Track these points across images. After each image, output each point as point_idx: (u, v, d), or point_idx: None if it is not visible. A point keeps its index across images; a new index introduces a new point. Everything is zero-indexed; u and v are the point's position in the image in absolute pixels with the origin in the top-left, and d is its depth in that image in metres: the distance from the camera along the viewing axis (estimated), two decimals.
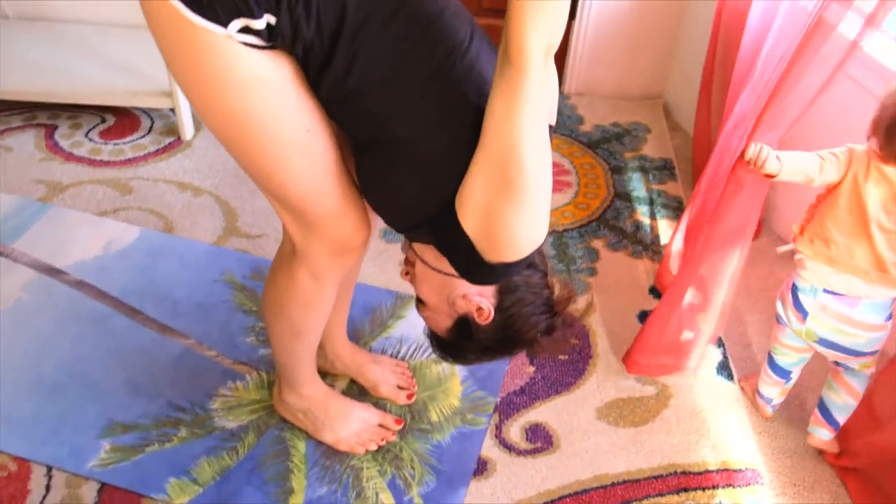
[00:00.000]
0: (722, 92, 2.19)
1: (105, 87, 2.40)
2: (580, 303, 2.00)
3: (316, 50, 1.04)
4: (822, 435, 1.67)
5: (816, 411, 1.69)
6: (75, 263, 2.02)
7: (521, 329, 1.30)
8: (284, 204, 1.24)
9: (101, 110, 2.55)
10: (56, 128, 2.49)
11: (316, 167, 1.18)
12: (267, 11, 0.98)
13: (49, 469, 1.58)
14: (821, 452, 1.70)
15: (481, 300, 1.27)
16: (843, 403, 1.64)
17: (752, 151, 1.49)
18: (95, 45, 2.57)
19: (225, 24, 0.98)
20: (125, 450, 1.62)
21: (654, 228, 2.23)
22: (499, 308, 1.28)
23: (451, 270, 1.24)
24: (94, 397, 1.71)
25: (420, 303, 1.34)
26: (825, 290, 1.52)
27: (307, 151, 1.15)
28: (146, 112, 2.57)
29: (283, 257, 1.38)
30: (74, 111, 2.55)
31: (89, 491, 1.56)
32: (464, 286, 1.26)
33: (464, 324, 1.31)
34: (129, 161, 2.37)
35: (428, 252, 1.27)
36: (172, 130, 2.49)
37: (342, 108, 1.12)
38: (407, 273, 1.35)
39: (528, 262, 1.27)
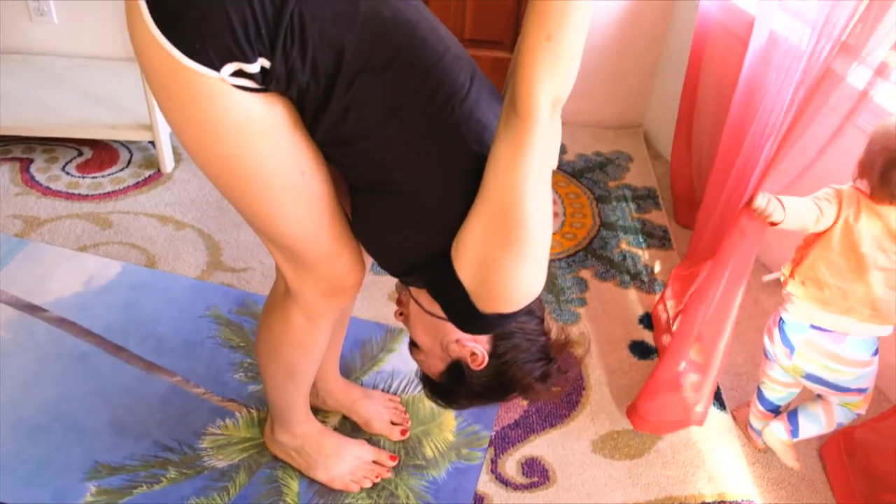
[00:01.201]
0: (709, 128, 2.22)
1: (82, 119, 2.36)
2: (571, 334, 1.99)
3: (312, 93, 1.02)
4: (778, 430, 1.67)
5: (784, 413, 1.69)
6: (55, 300, 1.97)
7: (516, 375, 1.28)
8: (278, 245, 1.22)
9: (77, 143, 2.51)
10: (32, 161, 2.44)
11: (310, 210, 1.16)
12: (261, 55, 0.97)
13: None
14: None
15: (475, 346, 1.24)
16: (815, 414, 1.64)
17: (760, 202, 1.47)
18: (71, 77, 2.53)
19: (218, 67, 0.96)
20: (112, 492, 1.57)
21: (640, 258, 2.24)
22: (493, 354, 1.26)
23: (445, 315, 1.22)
24: (78, 438, 1.66)
25: (413, 346, 1.32)
26: (812, 326, 1.52)
27: (301, 194, 1.13)
28: (124, 145, 2.53)
29: (276, 298, 1.36)
30: (50, 144, 2.50)
31: None
32: (458, 331, 1.23)
33: (457, 368, 1.28)
34: (109, 195, 2.33)
35: (423, 295, 1.24)
36: (152, 163, 2.45)
37: (339, 150, 1.10)
38: (401, 314, 1.33)
39: (526, 310, 1.25)
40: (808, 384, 1.60)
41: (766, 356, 1.65)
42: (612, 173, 2.56)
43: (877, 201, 1.43)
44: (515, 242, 1.03)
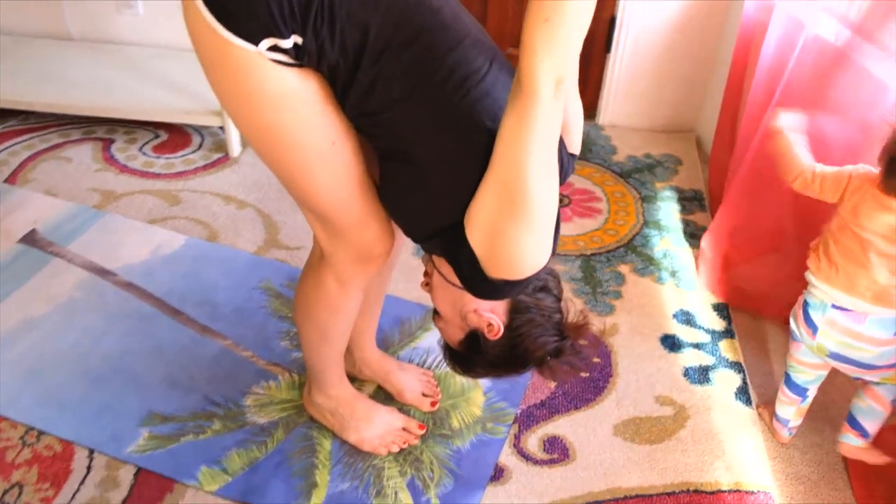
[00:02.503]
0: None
1: (160, 105, 2.54)
2: (605, 323, 2.06)
3: (341, 69, 1.13)
4: (850, 440, 1.68)
5: (845, 421, 1.70)
6: (124, 266, 2.14)
7: (529, 349, 1.35)
8: (313, 211, 1.33)
9: (155, 126, 2.70)
10: (113, 142, 2.64)
11: (341, 178, 1.27)
12: (294, 32, 1.08)
13: (91, 452, 1.68)
14: (858, 465, 1.71)
15: (492, 317, 1.33)
16: (868, 408, 1.65)
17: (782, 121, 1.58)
18: (153, 67, 2.72)
19: (256, 42, 1.08)
20: (162, 438, 1.71)
21: (681, 257, 2.28)
22: (508, 326, 1.34)
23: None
24: (135, 389, 1.82)
25: (436, 314, 1.42)
26: (833, 306, 1.56)
27: (332, 163, 1.24)
28: (197, 129, 2.71)
29: (312, 264, 1.48)
30: (130, 127, 2.70)
31: (126, 474, 1.65)
32: (476, 301, 1.32)
33: (474, 338, 1.36)
34: (179, 174, 2.50)
35: (445, 265, 1.33)
36: (221, 147, 2.62)
37: (366, 121, 1.21)
38: (427, 284, 1.42)
39: (541, 286, 1.34)
40: (834, 363, 1.62)
41: (792, 338, 1.68)
42: (661, 175, 2.60)
43: (883, 191, 1.46)
44: (519, 212, 1.11)
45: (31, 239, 2.21)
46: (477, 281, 1.23)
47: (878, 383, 1.63)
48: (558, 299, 1.38)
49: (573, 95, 1.35)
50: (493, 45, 1.25)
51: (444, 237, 1.24)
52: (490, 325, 1.33)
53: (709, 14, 2.55)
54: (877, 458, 1.68)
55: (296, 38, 1.09)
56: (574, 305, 1.42)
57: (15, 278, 2.08)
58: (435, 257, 1.37)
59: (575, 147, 1.38)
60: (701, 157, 2.72)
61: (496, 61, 1.22)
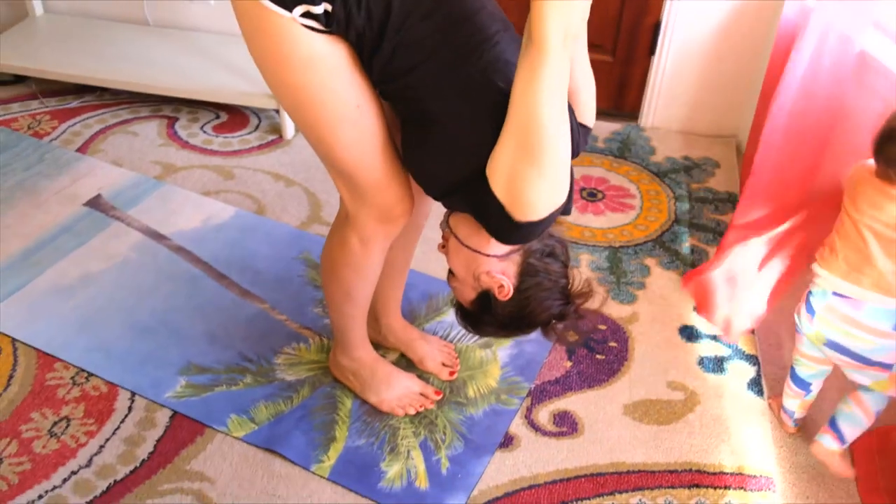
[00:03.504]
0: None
1: (223, 87, 2.71)
2: (625, 311, 2.12)
3: (366, 37, 1.26)
4: (826, 442, 1.71)
5: (827, 422, 1.73)
6: (177, 232, 2.30)
7: (536, 310, 1.45)
8: (338, 170, 1.45)
9: (217, 108, 2.86)
10: (177, 120, 2.82)
11: (364, 139, 1.38)
12: (324, 0, 1.20)
13: (133, 394, 1.83)
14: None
15: (503, 278, 1.42)
16: (851, 414, 1.68)
17: None
18: (218, 51, 2.89)
19: (290, 8, 1.21)
20: (197, 387, 1.85)
21: (709, 254, 2.33)
22: (518, 288, 1.44)
23: (479, 247, 1.41)
24: (177, 342, 1.96)
25: (451, 274, 1.52)
26: (834, 293, 1.59)
27: (357, 124, 1.36)
28: (255, 112, 2.86)
29: (337, 224, 1.60)
30: (194, 107, 2.87)
31: (163, 416, 1.79)
32: (489, 263, 1.42)
33: (485, 298, 1.46)
34: (235, 152, 2.66)
35: (462, 228, 1.44)
36: (276, 129, 2.77)
37: (389, 85, 1.33)
38: (443, 247, 1.52)
39: (550, 252, 1.44)
40: (831, 352, 1.64)
41: (796, 330, 1.71)
42: (697, 177, 2.65)
43: (880, 178, 1.50)
44: (536, 154, 1.21)
45: (95, 203, 2.39)
46: (504, 226, 1.32)
47: (868, 389, 1.65)
48: (565, 266, 1.47)
49: (583, 63, 1.43)
50: (506, 19, 1.36)
51: (467, 191, 1.33)
52: (501, 286, 1.43)
53: (754, 20, 2.59)
54: (844, 469, 1.71)
55: (326, 6, 1.21)
56: (580, 273, 1.50)
57: (78, 237, 2.26)
58: (452, 220, 1.47)
59: (587, 118, 1.47)
60: (739, 162, 2.76)
61: (508, 31, 1.33)
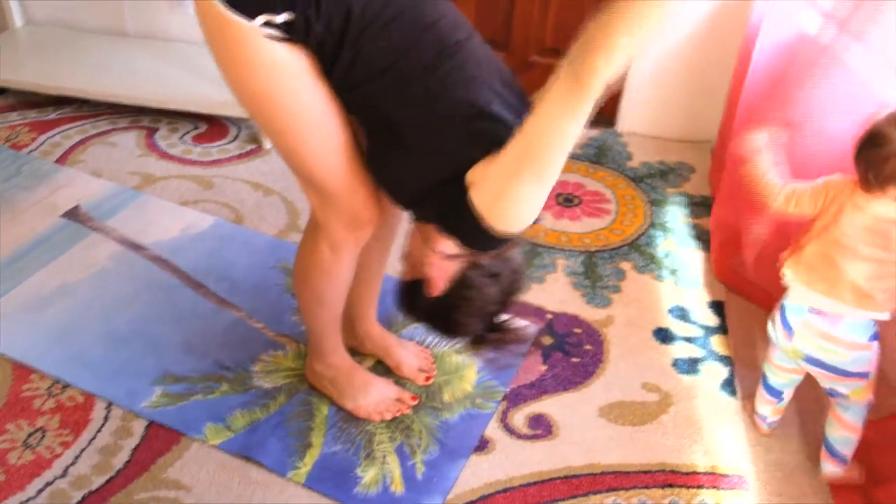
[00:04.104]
0: None
1: (202, 97, 2.72)
2: (600, 315, 2.14)
3: (326, 45, 1.28)
4: (829, 469, 1.73)
5: (823, 448, 1.75)
6: (155, 242, 2.31)
7: (457, 321, 1.51)
8: (305, 177, 1.47)
9: (196, 118, 2.87)
10: (157, 130, 2.83)
11: (329, 146, 1.40)
12: (285, 10, 1.23)
13: (109, 404, 1.83)
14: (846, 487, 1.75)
15: (440, 276, 1.46)
16: (843, 437, 1.70)
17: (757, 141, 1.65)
18: (198, 62, 2.90)
19: (252, 17, 1.23)
20: (173, 396, 1.86)
21: (682, 256, 2.35)
22: (449, 293, 1.47)
23: (431, 240, 1.44)
24: (154, 351, 1.97)
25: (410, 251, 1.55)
26: (810, 310, 1.60)
27: (321, 131, 1.38)
28: (234, 122, 2.88)
29: (308, 231, 1.61)
30: (174, 117, 2.88)
31: (139, 426, 1.79)
32: (432, 257, 1.45)
33: (418, 285, 1.50)
34: (215, 162, 2.67)
35: (428, 228, 1.47)
36: (255, 139, 2.78)
37: (349, 94, 1.35)
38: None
39: (494, 273, 1.48)
40: (808, 367, 1.66)
41: (770, 341, 1.73)
42: (672, 181, 2.67)
43: (864, 189, 1.50)
44: (540, 180, 1.26)
45: (73, 214, 2.40)
46: (477, 233, 1.34)
47: (846, 406, 1.66)
48: (506, 295, 1.51)
49: None
50: (469, 28, 1.38)
51: (437, 199, 1.35)
52: (432, 279, 1.46)
53: (726, 26, 2.62)
54: (859, 477, 1.73)
55: (287, 15, 1.23)
56: (515, 321, 1.58)
57: (56, 248, 2.27)
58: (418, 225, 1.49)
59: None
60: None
61: (471, 39, 1.35)
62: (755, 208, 1.87)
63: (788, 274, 1.63)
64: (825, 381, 1.67)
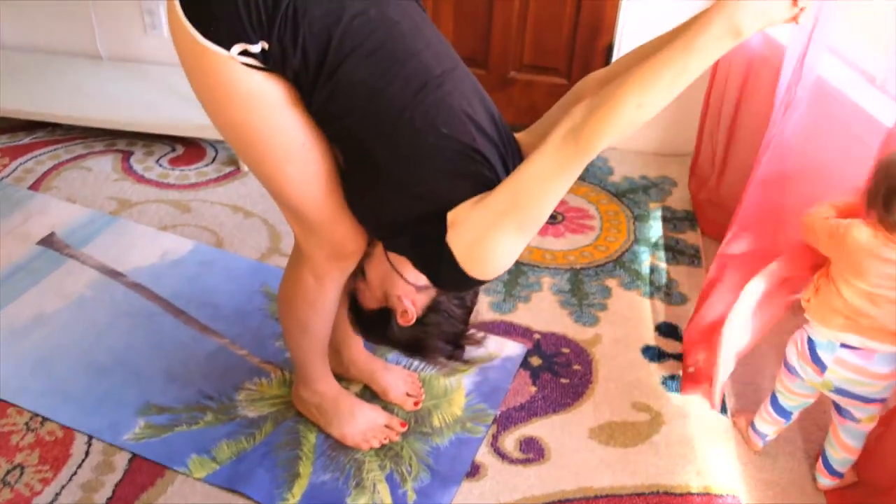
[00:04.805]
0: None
1: (178, 120, 2.68)
2: (588, 334, 2.12)
3: (303, 75, 1.24)
4: (825, 483, 1.74)
5: (820, 462, 1.75)
6: (134, 268, 2.26)
7: (428, 346, 1.53)
8: (287, 207, 1.44)
9: (172, 140, 2.84)
10: (132, 153, 2.79)
11: (310, 176, 1.37)
12: (261, 38, 1.20)
13: (90, 438, 1.78)
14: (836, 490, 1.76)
15: (410, 307, 1.46)
16: (842, 458, 1.70)
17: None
18: (173, 84, 2.87)
19: (228, 47, 1.20)
20: (157, 428, 1.81)
21: (668, 273, 2.35)
22: (419, 320, 1.48)
23: (402, 270, 1.44)
24: (136, 381, 1.92)
25: (362, 275, 1.53)
26: (842, 345, 1.58)
27: (302, 162, 1.35)
28: (212, 144, 2.84)
29: (292, 260, 1.59)
30: (149, 140, 2.84)
31: (121, 459, 1.75)
32: (404, 288, 1.46)
33: (385, 314, 1.50)
34: (192, 185, 2.63)
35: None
36: (233, 161, 2.75)
37: (328, 126, 1.33)
38: (367, 255, 1.53)
39: (460, 295, 1.50)
40: (836, 397, 1.65)
41: (789, 371, 1.69)
42: (655, 195, 2.68)
43: (886, 230, 1.47)
44: (524, 230, 1.27)
45: (49, 241, 2.35)
46: (450, 276, 1.34)
47: (853, 429, 1.65)
48: (469, 312, 1.54)
49: None
50: (455, 57, 1.35)
51: (415, 236, 1.34)
52: (405, 311, 1.46)
53: None
54: (852, 480, 1.75)
55: (263, 44, 1.21)
56: (480, 316, 1.58)
57: (31, 277, 2.21)
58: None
59: None
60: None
61: (456, 70, 1.32)
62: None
63: (814, 315, 1.61)
64: (846, 405, 1.66)
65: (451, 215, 1.30)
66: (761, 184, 1.81)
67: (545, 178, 1.19)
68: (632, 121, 1.13)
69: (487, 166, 1.31)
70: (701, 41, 1.10)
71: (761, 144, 1.78)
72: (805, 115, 1.86)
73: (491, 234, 1.26)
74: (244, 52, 1.21)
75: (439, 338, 1.51)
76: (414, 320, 1.47)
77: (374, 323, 1.54)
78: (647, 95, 1.11)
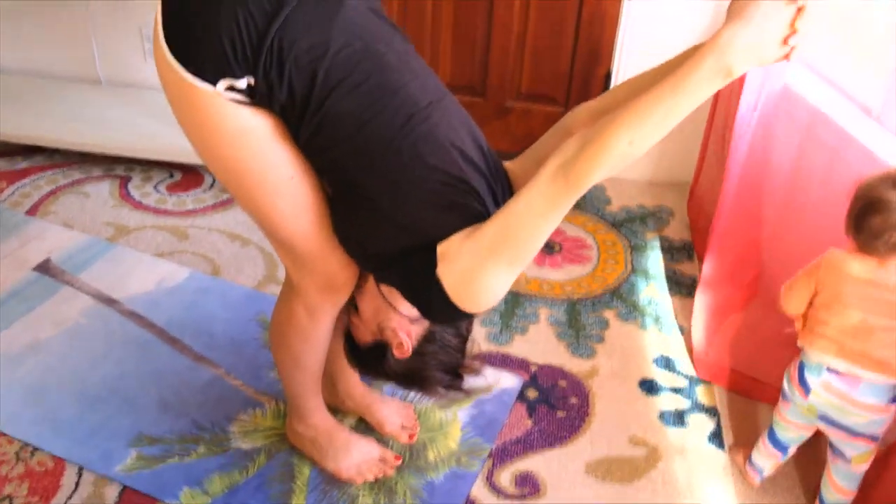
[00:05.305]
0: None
1: (176, 146, 2.67)
2: (584, 366, 2.11)
3: (290, 109, 1.24)
4: None
5: (817, 501, 1.73)
6: (129, 296, 2.25)
7: (427, 378, 1.51)
8: (277, 241, 1.43)
9: (171, 167, 2.83)
10: (130, 179, 2.78)
11: (300, 210, 1.36)
12: (247, 73, 1.20)
13: (80, 469, 1.77)
14: None
15: (405, 338, 1.45)
16: (837, 500, 1.69)
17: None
18: (171, 110, 2.86)
19: (214, 82, 1.20)
20: (149, 459, 1.79)
21: (665, 304, 2.34)
22: (416, 351, 1.47)
23: (395, 302, 1.43)
24: (129, 411, 1.90)
25: (354, 310, 1.52)
26: (828, 370, 1.58)
27: (291, 196, 1.34)
28: (209, 171, 2.83)
29: (284, 293, 1.58)
30: (148, 166, 2.84)
31: (112, 491, 1.73)
32: (398, 320, 1.45)
33: (380, 347, 1.49)
34: (190, 212, 2.63)
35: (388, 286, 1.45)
36: None
37: (316, 158, 1.32)
38: (359, 287, 1.52)
39: (454, 327, 1.49)
40: (822, 425, 1.64)
41: (783, 397, 1.70)
42: (652, 225, 2.67)
43: (865, 254, 1.49)
44: (514, 264, 1.26)
45: (44, 267, 2.34)
46: (438, 305, 1.32)
47: (845, 469, 1.64)
48: (464, 341, 1.53)
49: None
50: (442, 88, 1.35)
51: (404, 268, 1.33)
52: (401, 344, 1.45)
53: None
54: None
55: (249, 79, 1.20)
56: (477, 346, 1.57)
57: (26, 303, 2.20)
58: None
59: None
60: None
61: (443, 101, 1.32)
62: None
63: (804, 343, 1.62)
64: (836, 438, 1.65)
65: (442, 248, 1.29)
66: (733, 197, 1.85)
67: (536, 214, 1.19)
68: (623, 157, 1.13)
69: (475, 197, 1.31)
70: (691, 81, 1.10)
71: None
72: (794, 144, 1.88)
73: (482, 268, 1.26)
74: (230, 88, 1.21)
75: (436, 368, 1.49)
76: (410, 352, 1.46)
77: (370, 357, 1.52)
78: (638, 132, 1.11)
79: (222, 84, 1.20)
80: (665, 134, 1.13)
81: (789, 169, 1.97)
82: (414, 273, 1.31)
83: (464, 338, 1.52)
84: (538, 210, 1.18)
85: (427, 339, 1.48)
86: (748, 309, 2.18)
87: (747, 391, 2.04)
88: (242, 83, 1.21)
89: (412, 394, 1.99)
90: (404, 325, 1.45)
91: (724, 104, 2.40)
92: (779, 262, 2.06)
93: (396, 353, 1.46)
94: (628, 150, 1.12)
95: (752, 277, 2.19)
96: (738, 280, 2.18)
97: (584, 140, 1.15)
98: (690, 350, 2.15)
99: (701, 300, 2.17)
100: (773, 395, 1.80)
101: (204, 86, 1.20)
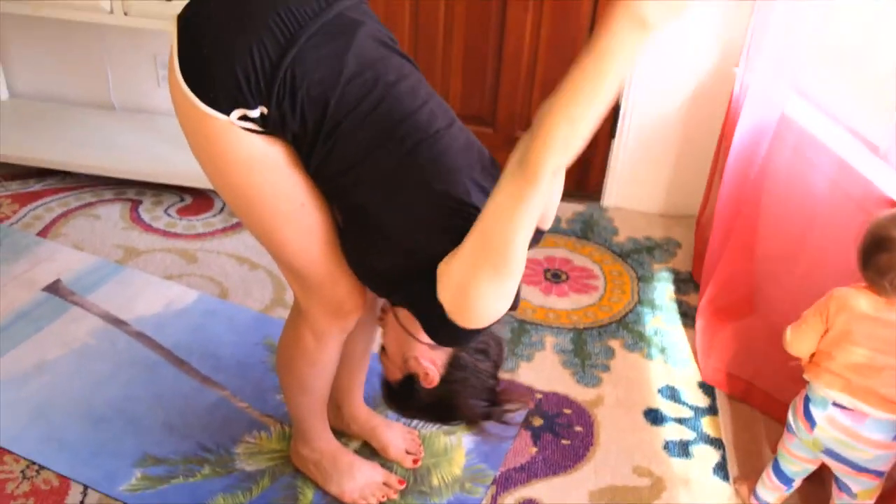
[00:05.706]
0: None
1: (187, 171, 2.71)
2: (590, 395, 2.11)
3: (302, 137, 1.27)
4: None
5: None
6: (138, 317, 2.27)
7: (460, 406, 1.47)
8: (287, 266, 1.45)
9: (181, 191, 2.86)
10: (141, 202, 2.81)
11: (310, 237, 1.38)
12: (260, 103, 1.22)
13: (85, 488, 1.77)
14: None
15: (430, 367, 1.43)
16: None
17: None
18: (182, 135, 2.90)
19: (227, 112, 1.22)
20: (153, 479, 1.80)
21: (671, 334, 2.34)
22: (444, 379, 1.44)
23: (414, 331, 1.41)
24: (134, 431, 1.91)
25: (383, 350, 1.51)
26: (834, 404, 1.57)
27: (301, 223, 1.36)
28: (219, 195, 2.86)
29: (291, 318, 1.59)
30: (159, 190, 2.87)
31: None
32: (419, 349, 1.42)
33: (410, 381, 1.46)
34: (199, 235, 2.65)
35: (402, 310, 1.44)
36: None
37: (326, 185, 1.34)
38: (381, 319, 1.52)
39: (482, 349, 1.46)
40: (827, 459, 1.64)
41: (788, 430, 1.69)
42: (659, 257, 2.68)
43: (875, 292, 1.50)
44: (498, 274, 1.23)
45: (53, 288, 2.36)
46: (443, 329, 1.33)
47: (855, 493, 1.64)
48: (496, 366, 1.49)
49: (559, 177, 1.45)
50: (451, 114, 1.38)
51: (409, 291, 1.34)
52: (427, 373, 1.43)
53: (710, 103, 2.67)
54: None
55: (262, 109, 1.23)
56: (518, 386, 1.54)
57: (34, 323, 2.22)
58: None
59: (546, 223, 1.49)
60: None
61: (451, 127, 1.34)
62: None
63: (810, 376, 1.62)
64: (840, 473, 1.64)
65: (439, 270, 1.30)
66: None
67: (505, 215, 1.16)
68: (571, 137, 1.05)
69: None
70: (608, 42, 1.00)
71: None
72: (798, 181, 1.90)
73: (469, 280, 1.25)
74: (243, 117, 1.24)
75: (469, 395, 1.46)
76: (437, 380, 1.43)
77: (403, 393, 1.49)
78: (575, 109, 1.03)
79: (236, 114, 1.23)
80: (606, 104, 1.04)
81: (784, 189, 1.99)
82: (419, 296, 1.32)
83: (494, 362, 1.49)
84: (506, 210, 1.15)
85: (456, 366, 1.45)
86: (745, 320, 2.20)
87: (745, 396, 2.08)
88: (255, 112, 1.23)
89: (416, 421, 1.99)
90: (426, 354, 1.43)
91: (729, 137, 2.43)
92: (775, 282, 2.09)
93: (424, 382, 1.44)
94: (572, 129, 1.04)
95: (747, 293, 2.21)
96: (735, 295, 2.20)
97: (531, 132, 1.10)
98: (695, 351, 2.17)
99: (702, 315, 2.18)
100: (768, 404, 1.85)
101: (217, 115, 1.23)
